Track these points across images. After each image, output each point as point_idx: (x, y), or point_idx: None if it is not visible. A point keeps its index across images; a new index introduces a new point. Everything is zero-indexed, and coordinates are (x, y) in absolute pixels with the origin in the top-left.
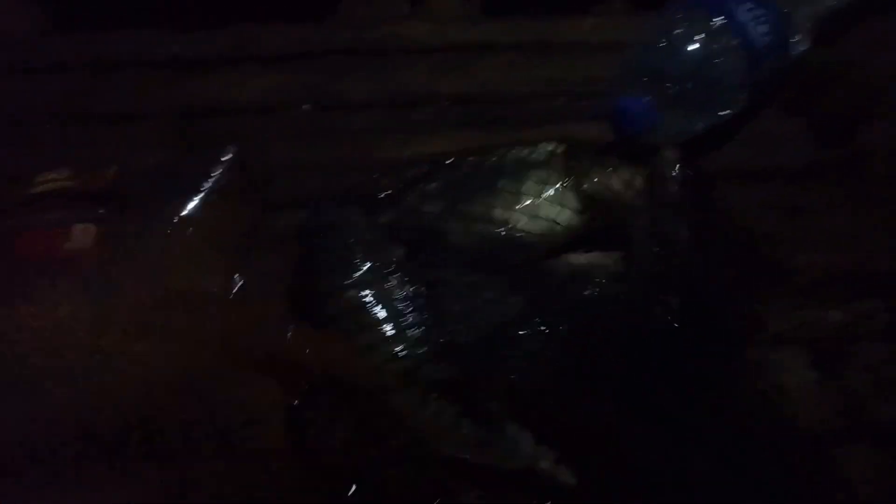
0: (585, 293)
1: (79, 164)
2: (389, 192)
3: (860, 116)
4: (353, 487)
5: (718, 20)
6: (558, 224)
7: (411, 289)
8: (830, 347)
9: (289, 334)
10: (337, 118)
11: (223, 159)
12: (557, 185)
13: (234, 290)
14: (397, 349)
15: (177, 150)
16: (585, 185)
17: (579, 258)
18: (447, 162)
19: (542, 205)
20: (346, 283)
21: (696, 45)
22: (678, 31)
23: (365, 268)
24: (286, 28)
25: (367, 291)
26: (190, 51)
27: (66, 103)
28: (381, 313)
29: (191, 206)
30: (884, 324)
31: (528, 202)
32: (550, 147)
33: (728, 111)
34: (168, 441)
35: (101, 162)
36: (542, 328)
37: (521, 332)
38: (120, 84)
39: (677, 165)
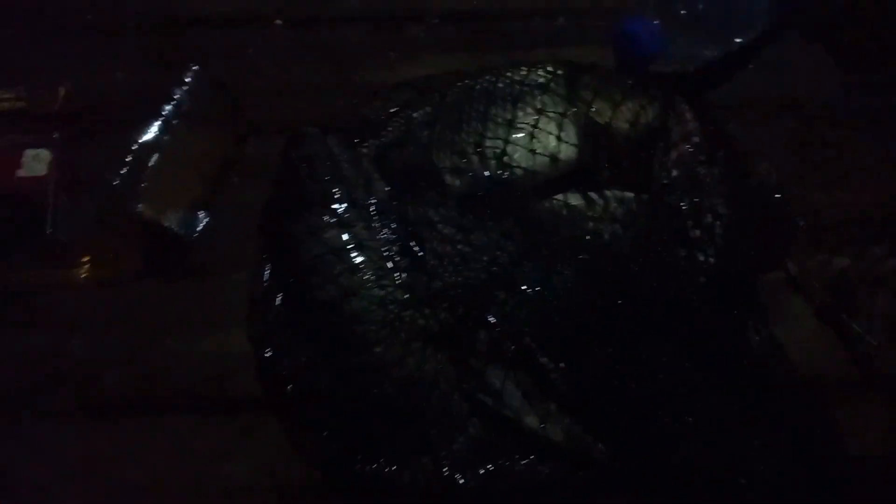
0: (587, 236)
1: (29, 83)
2: (374, 119)
3: (886, 49)
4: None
5: None
6: (557, 159)
7: (396, 230)
8: (836, 295)
9: None
10: (319, 35)
11: (197, 79)
12: (557, 115)
13: (199, 229)
14: (380, 295)
15: (145, 66)
16: (588, 117)
17: (579, 198)
18: (436, 86)
19: (539, 136)
20: (326, 222)
21: None
22: None
23: (347, 206)
24: None
25: (349, 232)
26: None
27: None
28: (364, 256)
29: (158, 130)
30: (891, 271)
31: (522, 133)
32: (550, 69)
33: (743, 37)
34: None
35: (57, 79)
36: (538, 274)
37: (514, 279)
38: None
39: (695, 99)
